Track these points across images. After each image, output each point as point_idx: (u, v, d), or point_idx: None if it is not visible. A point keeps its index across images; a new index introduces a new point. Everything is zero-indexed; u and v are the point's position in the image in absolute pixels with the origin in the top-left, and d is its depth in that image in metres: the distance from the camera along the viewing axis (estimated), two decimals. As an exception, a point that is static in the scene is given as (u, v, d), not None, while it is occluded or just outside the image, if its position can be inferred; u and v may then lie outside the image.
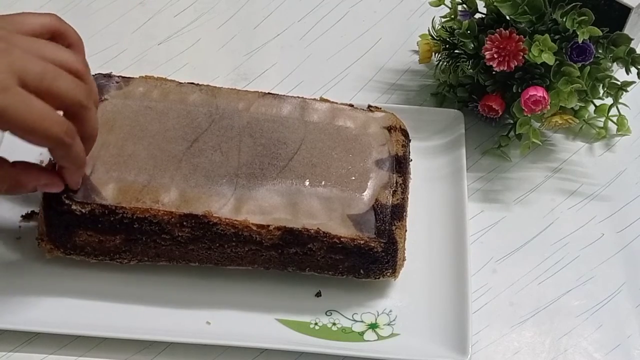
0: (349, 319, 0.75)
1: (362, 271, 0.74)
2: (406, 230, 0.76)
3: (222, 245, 0.72)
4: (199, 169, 0.74)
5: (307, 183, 0.74)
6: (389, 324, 0.75)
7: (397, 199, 0.75)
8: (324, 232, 0.72)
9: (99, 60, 0.94)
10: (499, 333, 0.76)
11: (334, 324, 0.75)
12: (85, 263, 0.75)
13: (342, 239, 0.72)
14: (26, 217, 0.79)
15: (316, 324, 0.75)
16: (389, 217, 0.74)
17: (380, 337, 0.74)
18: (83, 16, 0.99)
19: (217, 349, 0.73)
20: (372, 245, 0.72)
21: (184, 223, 0.71)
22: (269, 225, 0.72)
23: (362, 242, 0.72)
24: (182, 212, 0.71)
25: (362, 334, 0.74)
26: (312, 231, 0.72)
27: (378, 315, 0.76)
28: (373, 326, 0.75)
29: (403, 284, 0.77)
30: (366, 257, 0.72)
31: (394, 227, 0.73)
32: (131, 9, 1.00)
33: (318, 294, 0.76)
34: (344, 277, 0.75)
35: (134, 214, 0.71)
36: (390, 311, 0.76)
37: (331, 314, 0.75)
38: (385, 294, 0.77)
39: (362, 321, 0.75)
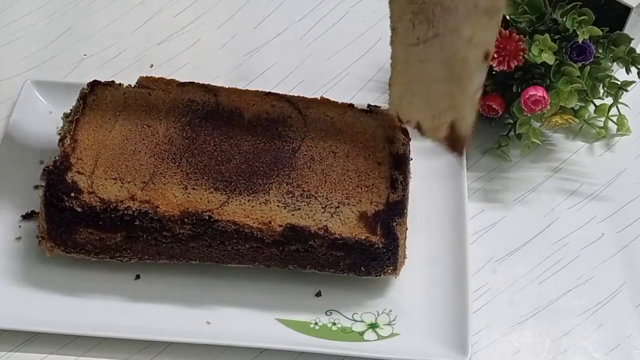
0: (349, 319, 0.75)
1: (362, 268, 0.74)
2: (406, 229, 0.76)
3: (223, 242, 0.72)
4: (199, 166, 0.74)
5: (307, 180, 0.74)
6: (389, 324, 0.75)
7: (398, 196, 0.75)
8: (325, 229, 0.72)
9: (99, 60, 0.94)
10: (499, 333, 0.76)
11: (334, 323, 0.75)
12: (85, 263, 0.75)
13: (343, 235, 0.72)
14: (26, 217, 0.79)
15: (316, 323, 0.75)
16: (390, 213, 0.74)
17: (380, 337, 0.74)
18: (83, 16, 0.99)
19: (217, 348, 0.73)
20: (373, 241, 0.72)
21: (185, 220, 0.71)
22: (270, 222, 0.72)
23: (363, 238, 0.72)
24: (183, 209, 0.71)
25: (362, 333, 0.74)
26: (313, 227, 0.72)
27: (378, 315, 0.76)
28: (373, 326, 0.75)
29: (403, 283, 0.77)
30: (367, 253, 0.72)
31: (394, 224, 0.73)
32: (131, 9, 1.00)
33: (318, 294, 0.76)
34: (344, 274, 0.75)
35: (135, 211, 0.71)
36: (390, 311, 0.76)
37: (331, 313, 0.75)
38: (385, 294, 0.77)
39: (362, 321, 0.75)
